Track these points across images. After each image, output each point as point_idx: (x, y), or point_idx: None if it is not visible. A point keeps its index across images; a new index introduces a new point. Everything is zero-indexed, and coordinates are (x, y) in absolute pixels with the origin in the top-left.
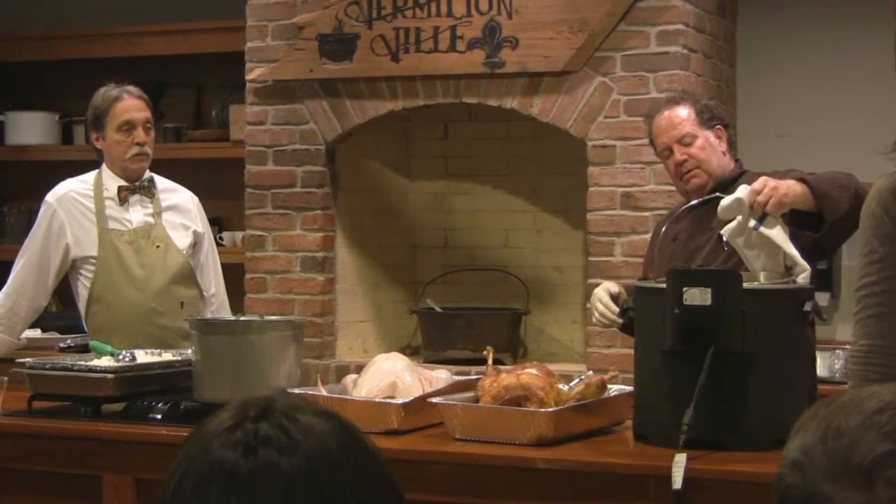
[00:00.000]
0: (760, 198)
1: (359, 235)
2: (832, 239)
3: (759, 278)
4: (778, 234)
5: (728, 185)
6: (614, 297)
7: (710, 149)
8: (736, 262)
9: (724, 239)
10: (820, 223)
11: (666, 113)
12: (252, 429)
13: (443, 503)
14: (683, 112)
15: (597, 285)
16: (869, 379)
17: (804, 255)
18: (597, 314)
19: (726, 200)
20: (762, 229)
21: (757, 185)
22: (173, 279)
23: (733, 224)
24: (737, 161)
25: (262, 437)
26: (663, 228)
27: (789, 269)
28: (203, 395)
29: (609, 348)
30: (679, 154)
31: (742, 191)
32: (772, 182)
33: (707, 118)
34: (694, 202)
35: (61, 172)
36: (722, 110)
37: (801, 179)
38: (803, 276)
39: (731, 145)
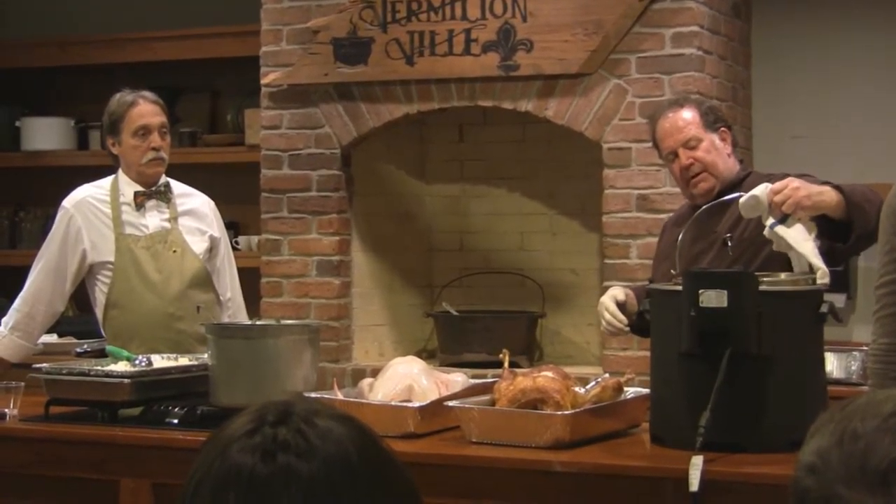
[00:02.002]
0: (778, 197)
1: (374, 239)
2: (852, 250)
3: (781, 276)
4: (795, 234)
5: (734, 187)
6: (620, 305)
7: (716, 152)
8: (741, 267)
9: (729, 245)
10: (846, 234)
11: (670, 116)
12: (271, 433)
13: None
14: (688, 115)
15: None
16: (889, 377)
17: None
18: (604, 322)
19: (745, 197)
20: (777, 229)
21: (778, 184)
22: (190, 284)
23: (766, 229)
24: (741, 162)
25: (281, 441)
26: (680, 234)
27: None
28: (220, 399)
29: (625, 351)
30: (685, 158)
31: (761, 188)
32: (794, 182)
33: (711, 120)
34: (704, 207)
35: (77, 178)
36: (727, 112)
37: (837, 188)
38: (822, 281)
39: (735, 146)
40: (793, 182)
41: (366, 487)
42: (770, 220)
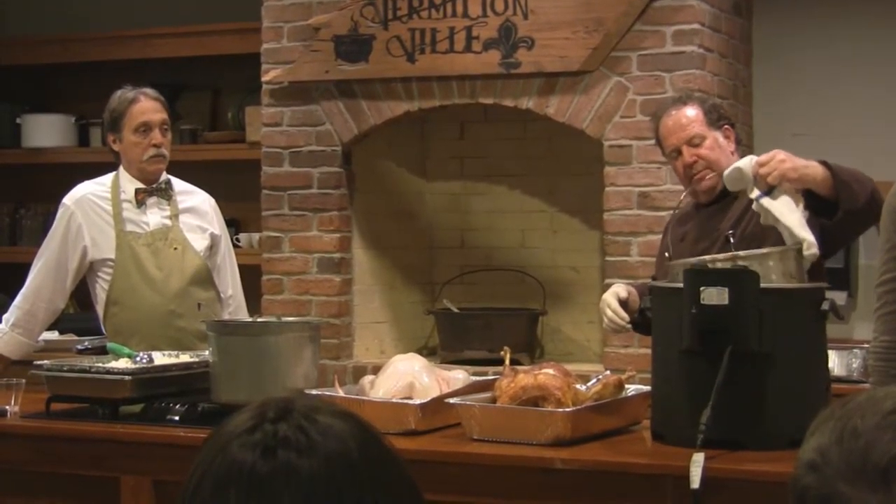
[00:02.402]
0: (763, 169)
1: (375, 236)
2: (841, 233)
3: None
4: (780, 207)
5: None
6: (623, 302)
7: (720, 149)
8: None
9: (732, 242)
10: (834, 212)
11: (673, 113)
12: (271, 430)
13: None
14: (691, 112)
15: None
16: (890, 375)
17: None
18: (606, 320)
19: (729, 170)
20: (763, 201)
21: (764, 157)
22: (191, 281)
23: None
24: None
25: (282, 438)
26: (683, 229)
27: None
28: (220, 396)
29: (626, 348)
30: (688, 155)
31: (746, 161)
32: (780, 155)
33: (715, 118)
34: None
35: (78, 175)
36: (729, 110)
37: (825, 164)
38: (809, 252)
39: (739, 144)
40: (778, 154)
41: (367, 484)
42: (756, 193)
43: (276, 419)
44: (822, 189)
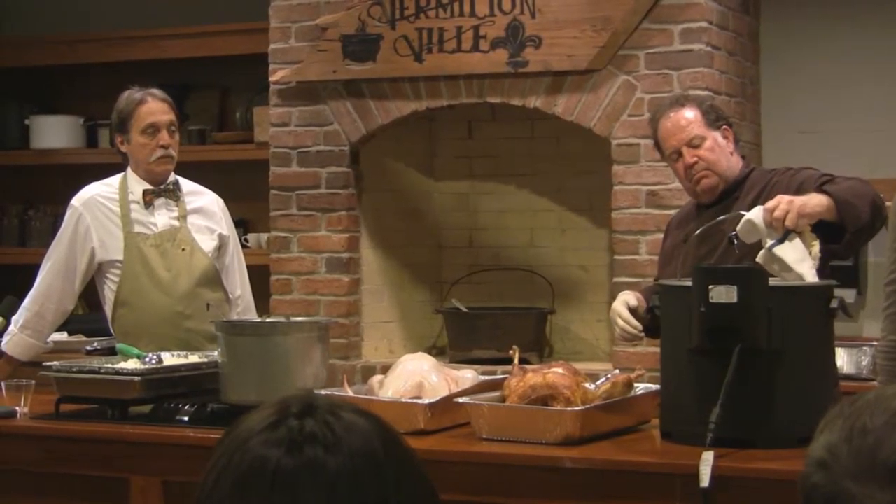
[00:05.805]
0: (777, 214)
1: (384, 236)
2: (850, 248)
3: None
4: (793, 253)
5: (738, 185)
6: (633, 311)
7: (719, 150)
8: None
9: (735, 243)
10: (841, 233)
11: (672, 115)
12: (297, 425)
13: (470, 503)
14: (690, 114)
15: (622, 284)
16: None
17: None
18: (618, 329)
19: (740, 225)
20: (775, 250)
21: (770, 203)
22: (199, 282)
23: (763, 252)
24: (743, 158)
25: (308, 433)
26: (684, 231)
27: None
28: (230, 396)
29: (635, 347)
30: (689, 156)
31: (754, 213)
32: (786, 197)
33: (713, 119)
34: (719, 218)
35: (86, 176)
36: (735, 108)
37: (823, 190)
38: None
39: (738, 143)
40: (784, 197)
41: (390, 483)
42: (769, 242)
43: (302, 415)
44: (828, 216)
